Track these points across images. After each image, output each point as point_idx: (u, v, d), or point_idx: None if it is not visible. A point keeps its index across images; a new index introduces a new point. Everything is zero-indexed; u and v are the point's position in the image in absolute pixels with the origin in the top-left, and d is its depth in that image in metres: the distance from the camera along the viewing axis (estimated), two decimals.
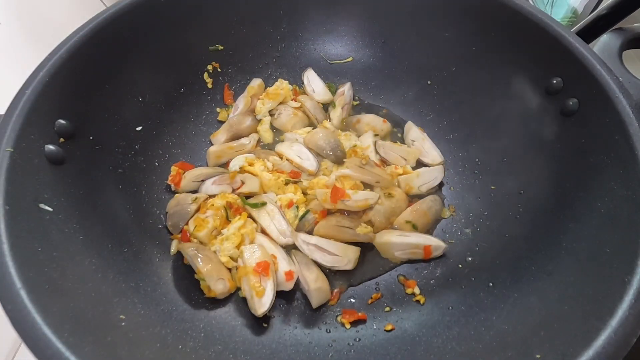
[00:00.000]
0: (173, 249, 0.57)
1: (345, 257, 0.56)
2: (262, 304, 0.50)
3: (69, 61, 0.51)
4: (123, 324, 0.43)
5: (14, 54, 0.78)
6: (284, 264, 0.54)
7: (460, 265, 0.57)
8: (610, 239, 0.43)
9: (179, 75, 0.69)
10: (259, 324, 0.53)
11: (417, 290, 0.56)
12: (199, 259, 0.52)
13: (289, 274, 0.53)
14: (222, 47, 0.71)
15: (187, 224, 0.58)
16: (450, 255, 0.59)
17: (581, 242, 0.46)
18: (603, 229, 0.44)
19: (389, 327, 0.53)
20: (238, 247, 0.55)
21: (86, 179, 0.52)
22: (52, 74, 0.49)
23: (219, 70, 0.73)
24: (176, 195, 0.61)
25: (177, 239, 0.58)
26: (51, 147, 0.48)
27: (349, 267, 0.56)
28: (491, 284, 0.52)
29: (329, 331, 0.53)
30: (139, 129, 0.63)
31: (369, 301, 0.56)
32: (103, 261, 0.47)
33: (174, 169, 0.63)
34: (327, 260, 0.56)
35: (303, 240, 0.57)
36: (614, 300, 0.37)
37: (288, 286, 0.53)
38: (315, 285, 0.53)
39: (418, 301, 0.55)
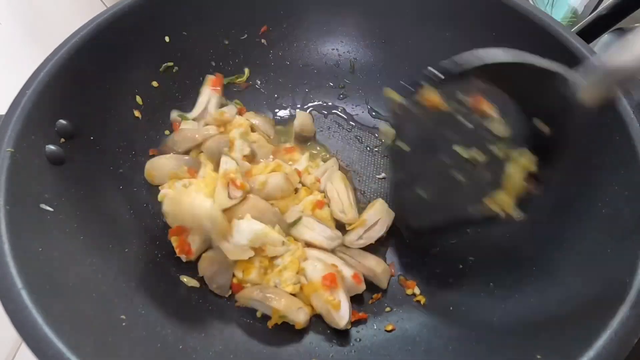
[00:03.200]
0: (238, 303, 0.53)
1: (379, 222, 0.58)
2: (341, 316, 0.50)
3: (69, 62, 0.51)
4: (124, 324, 0.43)
5: (14, 54, 0.78)
6: (346, 269, 0.54)
7: (460, 266, 0.57)
8: (611, 239, 0.43)
9: (180, 75, 0.69)
10: (259, 324, 0.53)
11: (417, 291, 0.56)
12: (270, 300, 0.49)
13: (356, 277, 0.53)
14: (227, 42, 0.71)
15: (234, 276, 0.54)
16: (451, 255, 0.59)
17: (582, 243, 0.46)
18: (604, 229, 0.44)
19: (389, 327, 0.53)
20: (298, 272, 0.53)
21: (87, 179, 0.52)
22: (53, 75, 0.49)
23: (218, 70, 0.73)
24: (204, 255, 0.54)
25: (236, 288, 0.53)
26: (52, 147, 0.48)
27: (383, 232, 0.58)
28: (492, 285, 0.52)
29: (329, 331, 0.53)
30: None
31: (370, 301, 0.56)
32: (104, 261, 0.47)
33: (175, 240, 0.55)
34: (372, 237, 0.57)
35: (354, 235, 0.58)
36: (614, 301, 0.37)
37: (360, 289, 0.54)
38: (379, 268, 0.55)
39: (419, 301, 0.55)
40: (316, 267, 0.52)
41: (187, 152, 0.63)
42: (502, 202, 0.42)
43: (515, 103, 0.41)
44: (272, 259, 0.54)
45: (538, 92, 0.38)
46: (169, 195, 0.53)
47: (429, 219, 0.52)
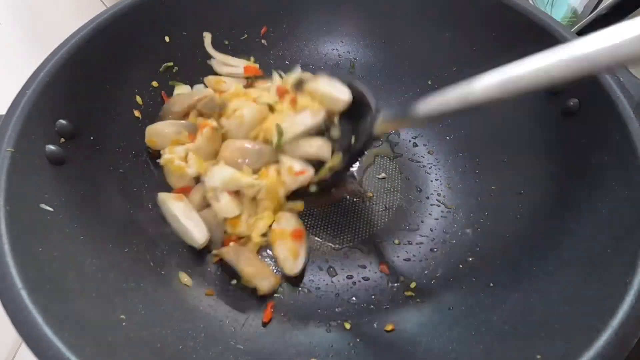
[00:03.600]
0: (214, 257, 0.58)
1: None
2: (297, 265, 0.57)
3: (69, 61, 0.51)
4: (124, 324, 0.43)
5: (14, 54, 0.79)
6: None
7: (460, 266, 0.57)
8: (611, 239, 0.43)
9: (180, 75, 0.69)
10: (260, 324, 0.53)
11: (417, 291, 0.56)
12: (241, 264, 0.55)
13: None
14: (227, 42, 0.71)
15: (225, 232, 0.59)
16: (451, 255, 0.59)
17: (582, 243, 0.46)
18: (604, 229, 0.44)
19: (389, 328, 0.53)
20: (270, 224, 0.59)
21: (87, 179, 0.52)
22: (53, 75, 0.49)
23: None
24: (200, 213, 0.59)
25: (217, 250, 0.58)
26: (52, 147, 0.48)
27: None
28: (492, 284, 0.52)
29: (329, 331, 0.53)
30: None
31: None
32: (104, 261, 0.47)
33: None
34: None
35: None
36: (614, 301, 0.37)
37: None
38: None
39: (418, 302, 0.55)
40: (290, 221, 0.59)
41: (184, 117, 0.64)
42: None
43: (346, 122, 0.58)
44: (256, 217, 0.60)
45: (360, 116, 0.54)
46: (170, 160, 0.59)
47: None
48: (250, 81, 0.73)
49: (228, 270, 0.57)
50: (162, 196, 0.58)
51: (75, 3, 0.90)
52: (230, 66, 0.72)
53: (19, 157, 0.44)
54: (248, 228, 0.58)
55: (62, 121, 0.50)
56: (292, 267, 0.57)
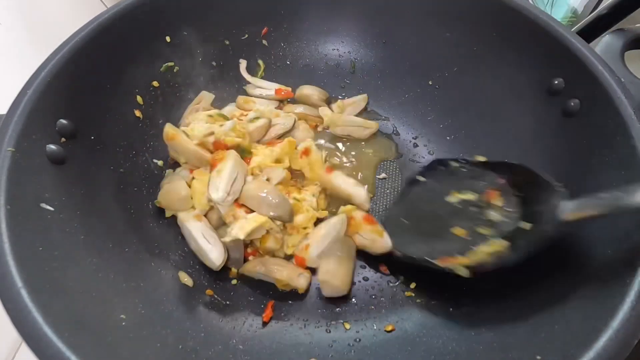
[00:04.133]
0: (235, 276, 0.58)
1: None
2: (386, 240, 0.57)
3: (70, 61, 0.51)
4: (124, 323, 0.43)
5: (15, 54, 0.79)
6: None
7: None
8: (611, 239, 0.43)
9: (180, 75, 0.69)
10: (260, 324, 0.53)
11: (417, 291, 0.56)
12: (273, 272, 0.55)
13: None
14: (228, 42, 0.71)
15: (246, 250, 0.58)
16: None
17: (582, 243, 0.46)
18: (604, 229, 0.44)
19: (389, 328, 0.53)
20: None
21: (87, 178, 0.52)
22: (54, 74, 0.49)
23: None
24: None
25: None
26: (52, 147, 0.48)
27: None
28: (492, 285, 0.52)
29: (329, 331, 0.53)
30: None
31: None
32: (104, 261, 0.47)
33: None
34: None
35: None
36: (615, 302, 0.37)
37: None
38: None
39: (419, 302, 0.55)
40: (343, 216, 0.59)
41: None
42: (459, 264, 0.50)
43: (518, 203, 0.50)
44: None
45: (534, 199, 0.47)
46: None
47: (403, 248, 0.57)
48: (281, 104, 0.74)
49: (228, 270, 0.57)
50: (182, 216, 0.57)
51: (76, 3, 0.90)
52: (262, 89, 0.73)
53: (20, 157, 0.44)
54: (277, 242, 0.57)
55: (63, 121, 0.50)
56: (384, 243, 0.57)
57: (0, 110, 0.47)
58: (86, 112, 0.54)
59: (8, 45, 0.79)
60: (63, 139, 0.50)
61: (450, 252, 0.51)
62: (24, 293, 0.37)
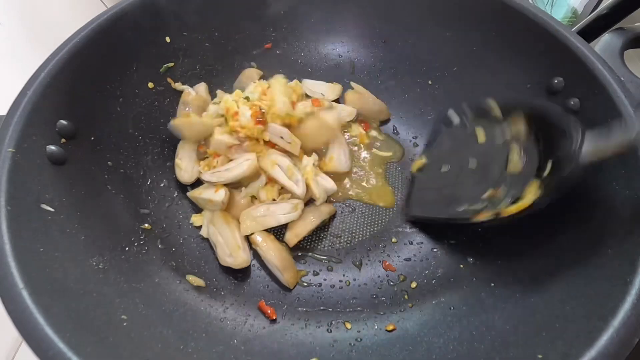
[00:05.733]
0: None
1: None
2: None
3: (70, 62, 0.51)
4: (125, 324, 0.43)
5: (15, 54, 0.79)
6: None
7: (461, 266, 0.57)
8: (612, 239, 0.43)
9: (180, 76, 0.69)
10: (261, 324, 0.53)
11: (418, 291, 0.56)
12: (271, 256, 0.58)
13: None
14: (228, 42, 0.71)
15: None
16: (452, 255, 0.59)
17: (583, 242, 0.46)
18: (605, 228, 0.44)
19: (390, 327, 0.53)
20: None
21: (87, 179, 0.52)
22: (54, 75, 0.49)
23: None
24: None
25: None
26: (53, 147, 0.48)
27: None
28: (493, 284, 0.52)
29: (330, 331, 0.53)
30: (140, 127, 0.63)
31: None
32: (104, 261, 0.47)
33: None
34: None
35: None
36: (616, 301, 0.37)
37: None
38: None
39: (419, 302, 0.55)
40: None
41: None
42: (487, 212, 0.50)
43: (537, 146, 0.49)
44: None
45: (553, 140, 0.46)
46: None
47: (428, 211, 0.61)
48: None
49: (229, 270, 0.57)
50: (216, 218, 0.59)
51: (76, 3, 0.90)
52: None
53: (20, 158, 0.44)
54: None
55: (63, 121, 0.50)
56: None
57: (1, 110, 0.47)
58: (86, 112, 0.54)
59: (8, 45, 0.79)
60: (63, 140, 0.50)
61: (478, 198, 0.52)
62: (25, 294, 0.37)
